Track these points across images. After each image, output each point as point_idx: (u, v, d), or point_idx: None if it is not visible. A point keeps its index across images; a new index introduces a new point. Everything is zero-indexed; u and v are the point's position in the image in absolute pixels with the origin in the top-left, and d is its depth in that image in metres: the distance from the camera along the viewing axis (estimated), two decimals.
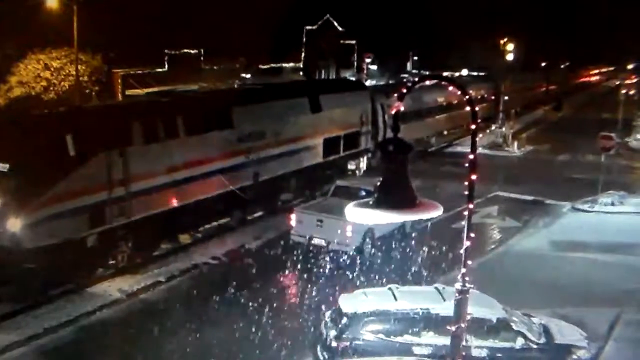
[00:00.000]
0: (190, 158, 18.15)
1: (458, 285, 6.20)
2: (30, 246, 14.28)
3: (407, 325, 11.40)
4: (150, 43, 36.17)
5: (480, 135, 36.13)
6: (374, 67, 56.54)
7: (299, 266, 16.89)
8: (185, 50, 39.54)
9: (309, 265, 16.94)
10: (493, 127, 41.73)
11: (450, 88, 6.34)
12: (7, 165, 14.64)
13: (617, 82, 78.07)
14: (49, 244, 14.40)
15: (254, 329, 13.21)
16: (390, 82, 50.97)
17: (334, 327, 11.65)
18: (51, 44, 32.22)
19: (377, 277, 15.20)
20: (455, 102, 35.65)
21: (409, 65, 62.77)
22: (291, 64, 50.72)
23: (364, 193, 17.64)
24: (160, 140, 17.33)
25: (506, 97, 45.12)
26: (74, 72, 31.18)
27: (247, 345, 12.72)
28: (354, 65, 54.08)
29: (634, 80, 72.49)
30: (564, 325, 12.64)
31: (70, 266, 15.15)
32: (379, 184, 5.31)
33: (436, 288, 12.21)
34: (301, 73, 49.71)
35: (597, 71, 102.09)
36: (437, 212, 5.28)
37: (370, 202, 5.25)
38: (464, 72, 53.54)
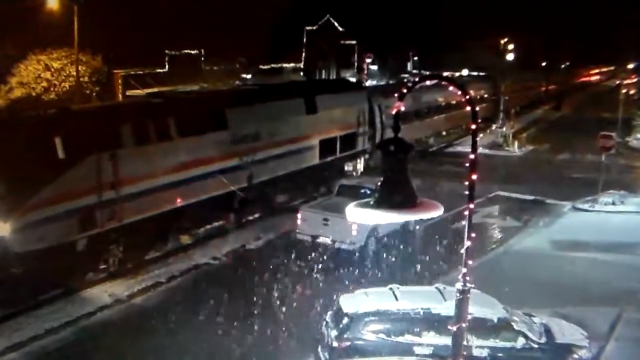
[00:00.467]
0: (183, 160, 17.88)
1: (459, 285, 6.19)
2: (19, 250, 14.04)
3: (408, 325, 11.39)
4: (151, 43, 36.19)
5: (481, 135, 36.14)
6: (374, 67, 56.53)
7: (302, 265, 16.91)
8: (186, 51, 39.52)
9: (312, 264, 16.96)
10: (493, 127, 41.74)
11: (451, 88, 6.33)
12: None
13: (617, 82, 78.10)
14: (38, 248, 14.16)
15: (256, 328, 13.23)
16: (391, 82, 51.01)
17: (334, 327, 11.65)
18: (52, 44, 32.23)
19: (381, 274, 15.25)
20: (454, 102, 35.61)
21: (409, 65, 62.74)
22: (291, 65, 50.69)
23: (368, 192, 17.68)
24: (152, 143, 17.05)
25: (506, 97, 45.14)
26: (74, 73, 31.18)
27: (248, 345, 12.73)
28: (354, 66, 54.02)
29: (634, 80, 72.45)
30: (564, 325, 12.63)
31: (61, 270, 14.92)
32: (379, 183, 5.32)
33: (437, 288, 12.20)
34: (301, 73, 49.68)
35: (597, 71, 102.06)
36: (438, 212, 5.28)
37: (371, 202, 5.25)
38: (464, 72, 53.52)
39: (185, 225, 19.03)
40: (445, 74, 43.28)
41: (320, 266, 16.78)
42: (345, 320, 11.53)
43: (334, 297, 12.71)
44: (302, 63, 51.18)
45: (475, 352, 11.17)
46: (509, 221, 22.57)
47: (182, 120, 18.09)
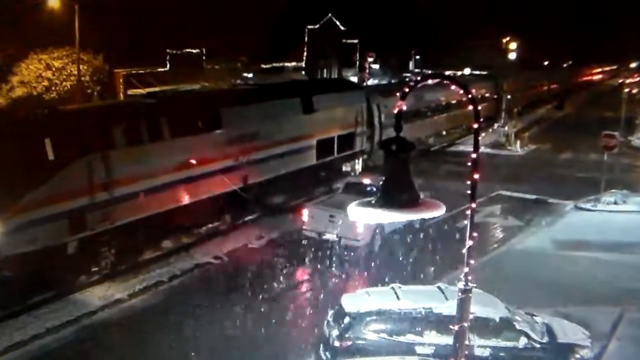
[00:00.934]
0: (176, 161, 17.72)
1: (461, 285, 6.17)
2: (9, 253, 13.88)
3: (410, 325, 11.37)
4: (152, 42, 36.16)
5: (483, 134, 36.06)
6: (376, 67, 56.49)
7: (305, 264, 16.93)
8: (187, 50, 39.51)
9: (316, 263, 16.98)
10: (496, 126, 41.68)
11: (453, 87, 6.30)
12: None
13: (620, 81, 77.93)
14: (28, 251, 13.99)
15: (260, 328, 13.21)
16: (393, 81, 50.97)
17: (336, 327, 11.63)
18: (53, 43, 32.21)
19: (385, 270, 15.27)
20: (454, 101, 35.50)
21: (411, 64, 62.73)
22: (293, 64, 50.67)
23: (374, 189, 17.70)
24: (144, 143, 16.85)
25: (508, 96, 45.06)
26: (75, 72, 31.18)
27: (250, 345, 12.72)
28: (356, 65, 54.00)
29: (637, 79, 72.27)
30: (566, 325, 12.60)
31: (59, 271, 14.84)
32: (381, 183, 5.30)
33: (439, 287, 12.18)
34: (303, 72, 49.64)
35: (599, 70, 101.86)
36: (440, 212, 5.26)
37: (373, 202, 5.24)
38: (467, 71, 53.48)
39: (178, 227, 18.81)
40: (447, 72, 43.31)
41: (324, 264, 16.78)
42: (347, 319, 11.52)
43: (340, 294, 12.73)
44: (304, 62, 51.15)
45: (477, 352, 11.15)
46: (511, 220, 22.53)
47: (176, 121, 17.87)
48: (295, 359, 12.48)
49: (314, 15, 51.39)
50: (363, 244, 17.96)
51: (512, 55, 53.01)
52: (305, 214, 18.82)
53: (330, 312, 12.30)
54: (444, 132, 38.37)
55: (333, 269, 16.68)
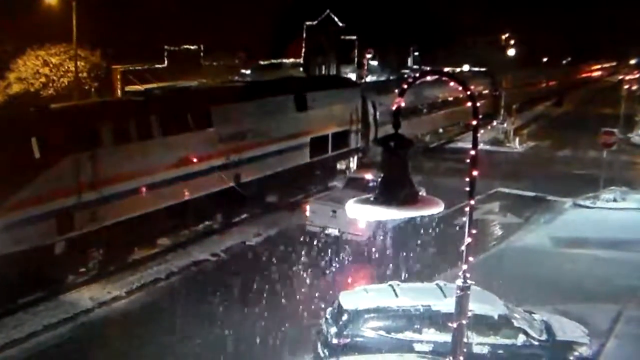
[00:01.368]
0: (166, 160, 17.54)
1: (459, 282, 6.13)
2: None
3: (408, 322, 11.36)
4: (150, 39, 36.06)
5: (482, 131, 36.03)
6: (374, 63, 56.39)
7: (304, 260, 16.90)
8: (185, 46, 39.40)
9: (314, 259, 16.95)
10: (494, 123, 41.63)
11: (451, 84, 6.25)
12: None
13: (619, 78, 77.87)
14: (15, 251, 13.80)
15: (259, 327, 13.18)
16: (391, 77, 50.87)
17: (334, 324, 11.60)
18: (50, 40, 32.10)
19: (387, 266, 15.26)
20: (452, 98, 35.39)
21: (409, 61, 62.62)
22: (291, 60, 50.55)
23: (376, 185, 17.66)
24: (133, 142, 16.66)
25: (507, 93, 45.01)
26: (73, 69, 31.06)
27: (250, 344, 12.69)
28: (354, 61, 53.90)
29: (636, 76, 72.24)
30: (565, 322, 12.59)
31: (55, 269, 14.75)
32: (379, 180, 5.26)
33: (437, 284, 12.17)
34: (301, 69, 49.53)
35: (598, 66, 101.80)
36: (438, 209, 5.23)
37: (371, 198, 5.19)
38: (465, 67, 53.40)
39: (169, 227, 18.63)
40: (445, 69, 43.23)
41: (324, 260, 16.78)
42: (345, 316, 11.49)
43: (340, 290, 12.71)
44: (302, 59, 51.04)
45: (476, 349, 11.12)
46: (510, 218, 22.52)
47: (166, 119, 17.69)
48: (293, 356, 12.44)
49: (312, 11, 51.30)
50: (364, 239, 18.03)
51: (511, 52, 52.93)
52: (308, 209, 18.98)
53: (329, 309, 12.27)
54: (441, 130, 38.22)
55: (333, 264, 16.65)
